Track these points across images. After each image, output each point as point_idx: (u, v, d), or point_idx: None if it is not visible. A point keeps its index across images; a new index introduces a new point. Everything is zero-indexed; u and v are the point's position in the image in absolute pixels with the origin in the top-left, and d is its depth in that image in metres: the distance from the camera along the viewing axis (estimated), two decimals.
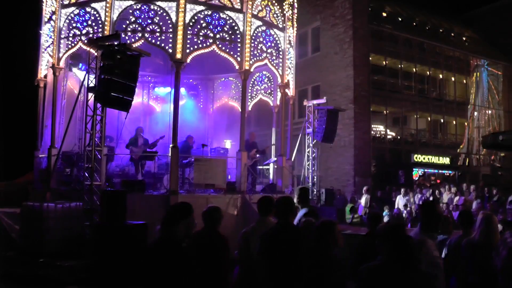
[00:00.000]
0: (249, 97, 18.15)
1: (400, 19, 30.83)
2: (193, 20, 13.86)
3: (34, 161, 16.11)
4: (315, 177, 19.06)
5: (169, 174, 13.62)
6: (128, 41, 13.11)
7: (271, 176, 17.58)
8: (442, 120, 32.37)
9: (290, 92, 17.33)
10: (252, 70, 15.03)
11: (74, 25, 14.37)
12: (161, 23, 13.71)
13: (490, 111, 34.72)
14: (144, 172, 15.35)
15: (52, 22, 15.11)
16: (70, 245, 11.36)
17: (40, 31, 16.31)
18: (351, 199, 19.24)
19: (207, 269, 5.55)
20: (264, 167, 17.91)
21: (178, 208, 4.82)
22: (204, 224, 5.76)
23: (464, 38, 35.28)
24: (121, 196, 10.98)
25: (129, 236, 10.63)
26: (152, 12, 13.71)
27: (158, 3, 13.76)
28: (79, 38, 14.17)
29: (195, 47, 13.90)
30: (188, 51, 13.76)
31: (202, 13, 14.00)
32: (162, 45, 13.67)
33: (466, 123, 33.42)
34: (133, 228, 10.85)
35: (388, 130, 29.00)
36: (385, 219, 17.90)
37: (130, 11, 13.73)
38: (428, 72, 31.17)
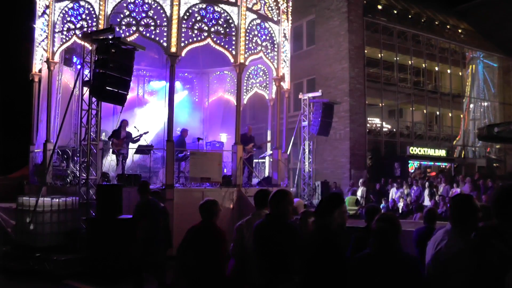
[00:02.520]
0: (245, 90, 18.16)
1: (395, 11, 30.78)
2: (187, 14, 13.83)
3: (29, 156, 16.10)
4: (311, 170, 19.06)
5: (165, 168, 13.62)
6: (123, 35, 13.08)
7: (266, 170, 17.60)
8: (437, 113, 32.41)
9: (286, 85, 17.34)
10: (247, 63, 15.02)
11: (68, 19, 14.32)
12: (155, 17, 13.67)
13: (485, 103, 34.78)
14: (125, 166, 15.17)
15: (46, 16, 15.04)
16: (66, 239, 11.40)
17: (34, 25, 16.24)
18: (352, 192, 19.18)
19: (203, 261, 5.59)
20: (260, 160, 17.92)
21: (332, 198, 4.77)
22: (201, 217, 5.80)
23: (459, 31, 35.28)
24: (117, 190, 11.03)
25: (124, 230, 10.67)
26: (146, 6, 13.67)
27: None
28: (73, 32, 14.13)
29: (190, 40, 13.88)
30: (182, 44, 13.73)
31: (197, 6, 13.97)
32: (157, 38, 13.63)
33: (461, 116, 33.49)
34: (128, 222, 10.89)
35: (383, 123, 29.01)
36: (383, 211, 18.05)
37: (124, 4, 13.68)
38: (423, 65, 31.18)
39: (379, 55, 28.67)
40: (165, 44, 13.59)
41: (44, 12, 15.33)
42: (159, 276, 8.74)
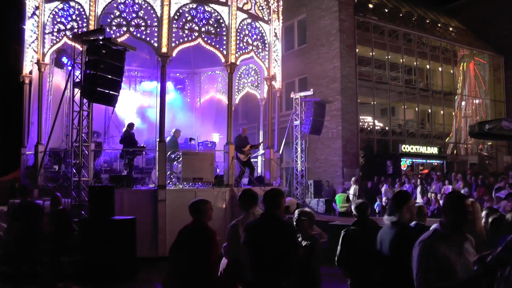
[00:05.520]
0: (236, 90, 18.15)
1: (386, 10, 30.84)
2: (178, 14, 13.82)
3: (21, 158, 16.00)
4: (303, 169, 19.07)
5: (157, 168, 13.59)
6: (113, 36, 13.06)
7: (259, 169, 17.59)
8: (429, 110, 32.50)
9: (277, 84, 17.36)
10: (238, 63, 15.03)
11: (58, 20, 14.27)
12: (146, 17, 13.65)
13: (477, 101, 34.90)
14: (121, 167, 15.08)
15: (35, 17, 14.97)
16: None
17: (24, 27, 16.16)
18: (343, 189, 19.26)
19: (195, 261, 5.58)
20: (252, 160, 17.92)
21: (399, 195, 5.18)
22: (192, 217, 5.78)
23: (450, 29, 35.40)
24: (109, 192, 10.98)
25: (117, 231, 10.65)
26: (137, 6, 13.65)
27: None
28: (63, 33, 14.08)
29: (181, 40, 13.87)
30: (173, 44, 13.73)
31: (187, 6, 13.96)
32: (148, 39, 13.62)
33: (453, 113, 33.59)
34: (121, 223, 10.87)
35: (376, 121, 29.04)
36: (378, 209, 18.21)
37: (115, 5, 13.66)
38: (415, 63, 31.22)
39: (371, 53, 28.70)
40: (156, 44, 13.58)
41: (33, 13, 15.26)
42: (41, 278, 8.80)
